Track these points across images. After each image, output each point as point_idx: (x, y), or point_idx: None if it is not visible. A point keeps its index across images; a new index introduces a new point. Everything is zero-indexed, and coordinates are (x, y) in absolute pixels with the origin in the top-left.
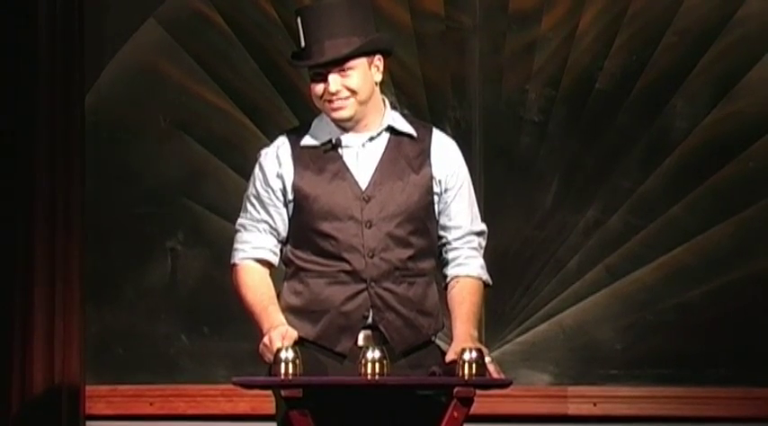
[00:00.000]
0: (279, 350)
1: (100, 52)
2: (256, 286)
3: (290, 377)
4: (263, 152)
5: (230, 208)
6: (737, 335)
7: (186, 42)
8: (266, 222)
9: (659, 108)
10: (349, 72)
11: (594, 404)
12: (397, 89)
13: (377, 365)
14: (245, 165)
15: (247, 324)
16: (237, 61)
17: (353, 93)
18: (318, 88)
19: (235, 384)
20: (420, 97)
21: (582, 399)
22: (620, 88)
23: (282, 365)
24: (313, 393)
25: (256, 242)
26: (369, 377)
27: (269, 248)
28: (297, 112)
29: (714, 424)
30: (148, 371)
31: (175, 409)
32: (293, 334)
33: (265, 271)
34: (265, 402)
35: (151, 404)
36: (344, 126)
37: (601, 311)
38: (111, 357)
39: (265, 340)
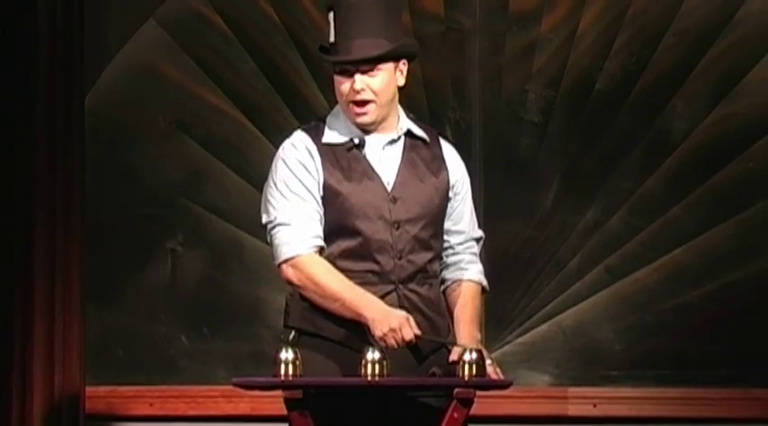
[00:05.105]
0: (278, 351)
1: (100, 52)
2: (334, 272)
3: (290, 378)
4: (289, 145)
5: (230, 209)
6: (737, 336)
7: (186, 43)
8: (312, 212)
9: (659, 109)
10: (377, 73)
11: (594, 405)
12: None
13: (377, 366)
14: (245, 166)
15: (247, 325)
16: (237, 62)
17: (375, 95)
18: (345, 86)
19: (235, 385)
20: (420, 98)
21: (582, 400)
22: (621, 89)
23: (282, 366)
24: (315, 394)
25: (309, 231)
26: (369, 378)
27: (321, 236)
28: (296, 113)
29: (714, 425)
30: (148, 372)
31: (175, 410)
32: (413, 323)
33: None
34: (265, 402)
35: (151, 405)
36: (366, 128)
37: (601, 312)
38: (110, 358)
39: (393, 324)
